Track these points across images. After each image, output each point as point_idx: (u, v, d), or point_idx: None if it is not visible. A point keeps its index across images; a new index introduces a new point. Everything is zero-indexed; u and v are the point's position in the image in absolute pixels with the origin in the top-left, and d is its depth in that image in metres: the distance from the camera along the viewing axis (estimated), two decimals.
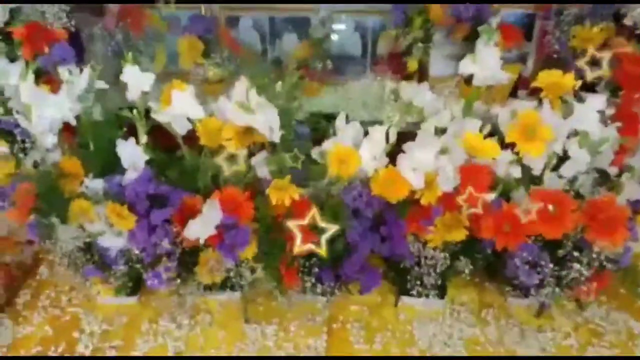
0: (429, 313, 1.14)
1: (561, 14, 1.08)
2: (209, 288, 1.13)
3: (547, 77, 0.95)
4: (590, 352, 1.04)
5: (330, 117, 1.10)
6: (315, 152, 1.01)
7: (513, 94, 1.23)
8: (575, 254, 0.91)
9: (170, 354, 1.06)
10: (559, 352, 1.04)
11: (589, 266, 0.92)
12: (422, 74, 1.22)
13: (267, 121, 0.90)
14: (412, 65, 1.19)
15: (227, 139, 0.99)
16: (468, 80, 1.14)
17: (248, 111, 0.90)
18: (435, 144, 0.91)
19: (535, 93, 1.11)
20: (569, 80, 0.94)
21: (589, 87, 1.02)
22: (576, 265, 0.91)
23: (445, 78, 1.23)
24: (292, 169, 1.02)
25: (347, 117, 1.09)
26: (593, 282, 0.96)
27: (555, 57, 1.11)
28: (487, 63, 0.96)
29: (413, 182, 0.91)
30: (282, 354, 1.06)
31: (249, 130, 0.98)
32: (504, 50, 1.09)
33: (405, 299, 1.15)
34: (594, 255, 0.91)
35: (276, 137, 0.92)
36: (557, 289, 0.96)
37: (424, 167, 0.90)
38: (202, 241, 0.95)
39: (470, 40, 1.11)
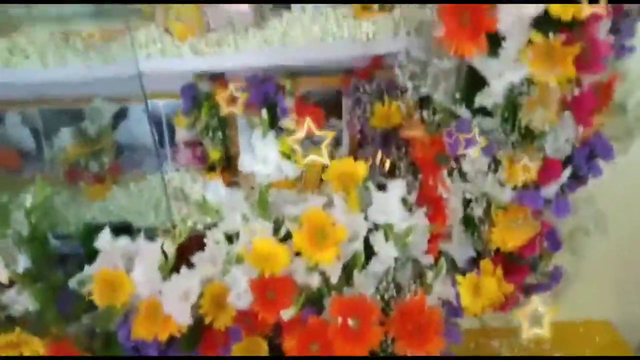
0: None
1: (358, 89, 1.00)
2: None
3: (338, 168, 0.84)
4: None
5: (112, 227, 0.92)
6: (73, 281, 0.81)
7: None
8: None
9: None
10: None
11: None
12: (230, 167, 1.08)
13: None
14: (214, 154, 1.05)
15: None
16: None
17: None
18: (200, 268, 0.75)
19: None
20: (361, 169, 0.84)
21: (392, 171, 0.94)
22: None
23: None
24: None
25: (128, 228, 0.92)
26: None
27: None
28: (267, 158, 0.84)
29: (176, 316, 0.73)
30: None
31: None
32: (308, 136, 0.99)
33: None
34: None
35: None
36: None
37: (193, 294, 0.74)
38: None
39: (272, 127, 1.00)
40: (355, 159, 1.09)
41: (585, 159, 0.87)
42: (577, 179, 0.88)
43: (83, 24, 0.90)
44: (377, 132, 1.00)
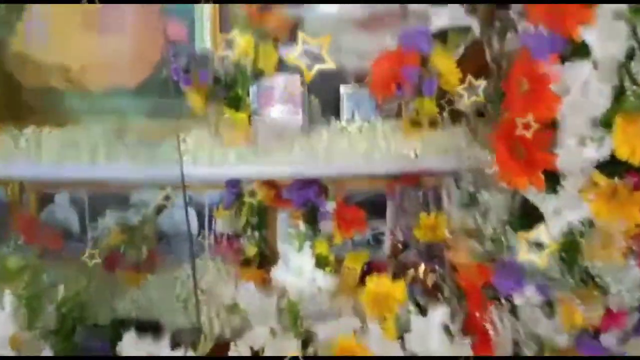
0: None
1: (404, 197, 0.96)
2: None
3: (374, 288, 0.79)
4: None
5: (140, 323, 0.90)
6: None
7: None
8: None
9: None
10: None
11: None
12: (265, 265, 1.04)
13: None
14: (250, 250, 1.03)
15: None
16: None
17: None
18: None
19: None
20: (399, 292, 0.78)
21: (435, 288, 0.87)
22: None
23: None
24: None
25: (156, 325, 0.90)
26: None
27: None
28: (302, 269, 0.81)
29: None
30: None
31: None
32: (344, 238, 0.95)
33: None
34: None
35: None
36: None
37: None
38: None
39: (309, 224, 0.98)
40: (397, 263, 1.05)
41: None
42: None
43: (138, 120, 0.93)
44: (420, 244, 0.95)
